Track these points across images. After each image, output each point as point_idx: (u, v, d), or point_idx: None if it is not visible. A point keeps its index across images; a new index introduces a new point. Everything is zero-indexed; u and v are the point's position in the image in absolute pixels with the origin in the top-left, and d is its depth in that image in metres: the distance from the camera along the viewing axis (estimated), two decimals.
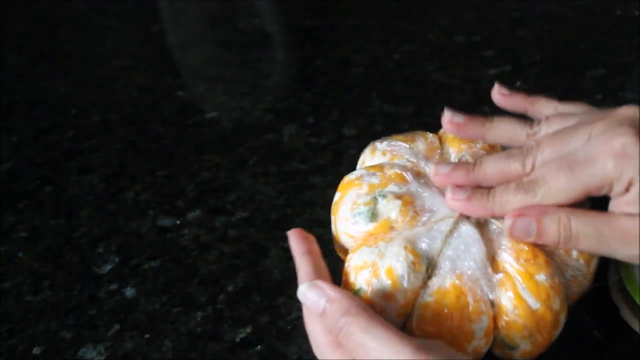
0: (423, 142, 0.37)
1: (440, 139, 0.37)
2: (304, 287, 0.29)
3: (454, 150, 0.36)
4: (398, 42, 0.72)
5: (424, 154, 0.36)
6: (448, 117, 0.35)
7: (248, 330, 0.39)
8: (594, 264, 0.32)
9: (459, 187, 0.32)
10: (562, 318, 0.31)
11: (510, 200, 0.30)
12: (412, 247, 0.31)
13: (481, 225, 0.32)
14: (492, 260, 0.31)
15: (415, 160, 0.35)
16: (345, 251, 0.34)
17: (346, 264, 0.33)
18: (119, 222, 0.48)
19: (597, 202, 0.36)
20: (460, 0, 0.80)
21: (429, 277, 0.31)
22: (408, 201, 0.32)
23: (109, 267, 0.45)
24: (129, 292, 0.42)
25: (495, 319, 0.30)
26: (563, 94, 0.60)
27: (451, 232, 0.31)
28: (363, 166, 0.37)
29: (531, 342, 0.30)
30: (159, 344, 0.38)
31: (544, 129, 0.32)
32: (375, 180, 0.34)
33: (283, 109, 0.62)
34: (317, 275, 0.31)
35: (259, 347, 0.38)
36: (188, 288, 0.42)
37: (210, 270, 0.43)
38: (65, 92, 0.68)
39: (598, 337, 0.36)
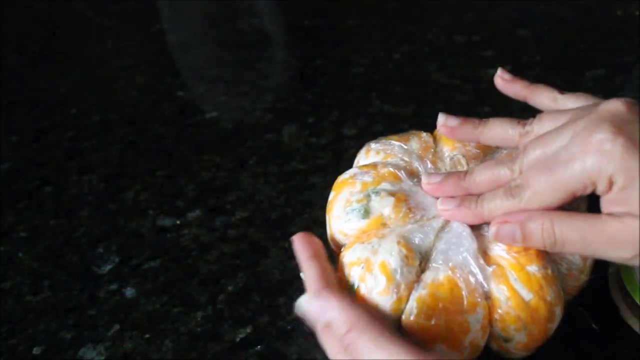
0: (417, 141, 0.37)
1: (434, 138, 0.38)
2: (306, 299, 0.29)
3: (448, 149, 0.36)
4: (398, 42, 0.72)
5: (418, 153, 0.36)
6: (442, 121, 0.35)
7: (248, 330, 0.39)
8: (590, 258, 0.33)
9: (448, 197, 0.32)
10: (558, 311, 0.31)
11: (498, 205, 0.30)
12: (405, 242, 0.31)
13: None
14: (484, 254, 0.31)
15: (408, 159, 0.36)
16: (339, 249, 0.34)
17: (340, 261, 0.33)
18: (119, 222, 0.48)
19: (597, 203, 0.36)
20: (460, 0, 0.80)
21: (423, 270, 0.31)
22: (401, 198, 0.33)
23: (109, 267, 0.45)
24: (129, 292, 0.42)
25: (489, 311, 0.30)
26: None
27: (443, 227, 0.32)
28: (357, 166, 0.37)
29: (526, 334, 0.30)
30: (159, 344, 0.38)
31: (536, 129, 0.32)
32: (368, 179, 0.34)
33: (283, 109, 0.62)
34: (324, 280, 0.30)
35: (259, 347, 0.38)
36: (188, 288, 0.42)
37: (210, 270, 0.43)
38: (65, 92, 0.68)
39: (597, 337, 0.36)
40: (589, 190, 0.28)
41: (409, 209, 0.33)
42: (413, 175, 0.35)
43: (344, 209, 0.33)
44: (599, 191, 0.28)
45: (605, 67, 0.63)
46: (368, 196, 0.33)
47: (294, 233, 0.45)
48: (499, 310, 0.30)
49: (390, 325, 0.29)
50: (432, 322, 0.29)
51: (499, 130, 0.34)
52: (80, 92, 0.68)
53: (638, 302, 0.35)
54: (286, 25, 0.83)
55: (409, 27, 0.75)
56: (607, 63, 0.64)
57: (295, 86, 0.67)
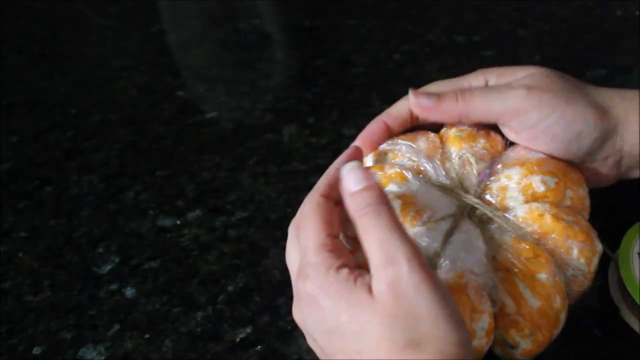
0: (424, 141, 0.37)
1: (441, 139, 0.37)
2: (353, 165, 0.29)
3: (455, 150, 0.36)
4: (398, 42, 0.72)
5: (426, 153, 0.36)
6: (414, 100, 0.37)
7: (248, 330, 0.39)
8: (594, 263, 0.32)
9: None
10: (563, 317, 0.31)
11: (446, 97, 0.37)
12: None
13: (482, 223, 0.32)
14: (492, 258, 0.31)
15: (416, 159, 0.35)
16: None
17: None
18: (119, 222, 0.48)
19: (601, 202, 0.36)
20: (460, 0, 0.80)
21: None
22: (408, 201, 0.32)
23: (109, 267, 0.45)
24: (129, 292, 0.42)
25: (496, 318, 0.30)
26: None
27: (452, 230, 0.31)
28: (364, 166, 0.37)
29: (532, 341, 0.30)
30: (159, 344, 0.38)
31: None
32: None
33: (283, 109, 0.62)
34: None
35: (259, 347, 0.38)
36: (188, 288, 0.42)
37: (210, 270, 0.43)
38: (65, 92, 0.68)
39: (598, 337, 0.36)
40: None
41: (417, 211, 0.32)
42: (421, 175, 0.34)
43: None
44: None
45: (605, 67, 0.63)
46: None
47: None
48: (506, 317, 0.30)
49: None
50: None
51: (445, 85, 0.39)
52: (80, 92, 0.68)
53: (638, 303, 0.35)
54: (286, 25, 0.83)
55: (409, 27, 0.75)
56: (607, 63, 0.64)
57: (295, 86, 0.67)
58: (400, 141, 0.37)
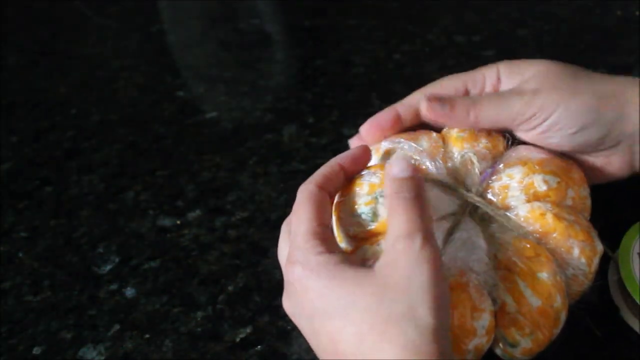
0: (427, 140, 0.36)
1: (443, 138, 0.37)
2: (402, 155, 0.33)
3: (457, 150, 0.36)
4: (398, 42, 0.72)
5: (428, 152, 0.36)
6: (427, 107, 0.37)
7: (248, 330, 0.39)
8: (595, 262, 0.32)
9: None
10: (563, 316, 0.31)
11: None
12: None
13: (483, 222, 0.32)
14: (494, 257, 0.31)
15: (418, 158, 0.35)
16: (347, 251, 0.34)
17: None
18: (119, 222, 0.48)
19: (601, 201, 0.36)
20: (460, 0, 0.80)
21: None
22: None
23: (109, 267, 0.44)
24: (129, 292, 0.42)
25: (496, 316, 0.30)
26: None
27: (453, 229, 0.31)
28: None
29: (532, 340, 0.30)
30: (159, 344, 0.38)
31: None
32: (376, 180, 0.33)
33: (283, 109, 0.62)
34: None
35: (259, 347, 0.37)
36: (188, 288, 0.42)
37: (210, 270, 0.43)
38: (65, 92, 0.68)
39: (598, 337, 0.35)
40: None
41: None
42: (422, 174, 0.34)
43: (352, 211, 0.33)
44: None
45: (605, 67, 0.63)
46: (376, 199, 0.33)
47: None
48: (507, 316, 0.30)
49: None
50: None
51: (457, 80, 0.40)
52: (80, 92, 0.68)
53: (638, 302, 0.35)
54: (286, 25, 0.83)
55: (409, 27, 0.75)
56: (607, 63, 0.64)
57: (295, 86, 0.67)
58: (402, 140, 0.37)
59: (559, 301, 0.30)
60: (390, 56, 0.69)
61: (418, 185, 0.29)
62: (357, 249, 0.33)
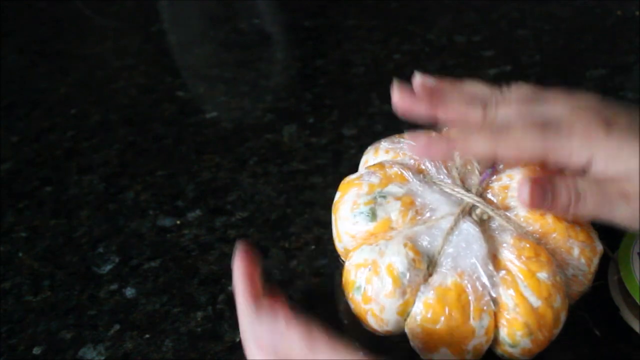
0: None
1: None
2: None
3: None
4: (398, 42, 0.72)
5: None
6: (419, 79, 0.37)
7: None
8: (594, 263, 0.32)
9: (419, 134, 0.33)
10: (563, 316, 0.31)
11: (472, 142, 0.31)
12: (412, 244, 0.31)
13: (483, 222, 0.32)
14: (493, 257, 0.31)
15: (418, 158, 0.35)
16: (346, 251, 0.34)
17: (347, 263, 0.33)
18: (119, 222, 0.48)
19: None
20: (460, 0, 0.80)
21: (430, 274, 0.31)
22: (408, 202, 0.32)
23: (109, 267, 0.44)
24: (129, 292, 0.42)
25: (496, 316, 0.30)
26: None
27: (452, 229, 0.31)
28: (366, 166, 0.37)
29: (532, 340, 0.30)
30: (159, 344, 0.38)
31: (514, 90, 0.33)
32: (375, 180, 0.34)
33: (283, 109, 0.62)
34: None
35: None
36: (188, 288, 0.42)
37: (210, 270, 0.43)
38: (65, 92, 0.68)
39: (598, 337, 0.36)
40: (561, 160, 0.30)
41: (416, 211, 0.32)
42: (421, 174, 0.34)
43: (351, 211, 0.33)
44: (572, 165, 0.30)
45: (605, 67, 0.63)
46: (375, 199, 0.33)
47: (294, 233, 0.45)
48: (507, 316, 0.30)
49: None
50: (437, 327, 0.29)
51: (476, 89, 0.34)
52: (80, 92, 0.68)
53: (638, 302, 0.35)
54: (286, 25, 0.83)
55: (409, 27, 0.75)
56: (607, 63, 0.64)
57: (295, 86, 0.67)
58: (402, 140, 0.37)
59: (558, 301, 0.30)
60: (390, 56, 0.69)
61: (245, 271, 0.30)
62: (357, 248, 0.33)
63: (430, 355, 0.31)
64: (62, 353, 0.38)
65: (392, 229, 0.32)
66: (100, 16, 0.86)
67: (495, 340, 0.31)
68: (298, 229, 0.46)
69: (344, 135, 0.56)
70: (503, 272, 0.30)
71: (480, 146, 0.31)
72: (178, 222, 0.48)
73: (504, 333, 0.30)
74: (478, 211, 0.33)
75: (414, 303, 0.30)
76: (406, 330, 0.31)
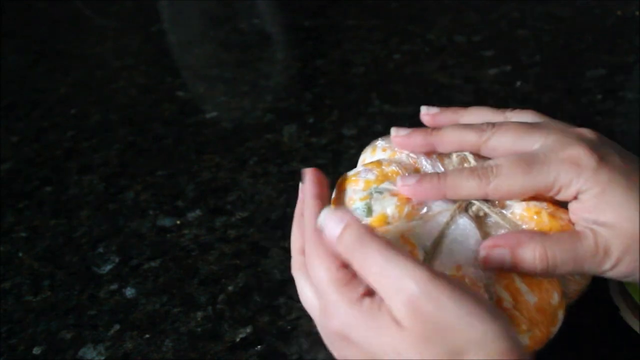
0: None
1: None
2: (326, 212, 0.28)
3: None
4: (398, 42, 0.72)
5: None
6: (424, 111, 0.36)
7: (248, 330, 0.39)
8: None
9: (409, 176, 0.33)
10: (560, 314, 0.31)
11: (463, 184, 0.31)
12: (408, 238, 0.31)
13: (479, 218, 0.32)
14: None
15: (414, 156, 0.35)
16: None
17: None
18: (119, 222, 0.48)
19: None
20: (460, 0, 0.80)
21: None
22: (404, 197, 0.33)
23: (109, 267, 0.45)
24: (129, 292, 0.42)
25: None
26: (563, 94, 0.60)
27: (448, 224, 0.32)
28: (363, 164, 0.37)
29: (529, 337, 0.30)
30: (159, 344, 0.38)
31: (515, 118, 0.34)
32: (371, 177, 0.34)
33: (283, 109, 0.62)
34: None
35: (259, 347, 0.38)
36: (188, 288, 0.42)
37: (210, 270, 0.43)
38: (65, 92, 0.68)
39: (598, 337, 0.36)
40: (550, 194, 0.30)
41: (413, 207, 0.32)
42: (418, 173, 0.35)
43: (347, 207, 0.33)
44: (561, 197, 0.30)
45: (605, 67, 0.63)
46: (371, 195, 0.33)
47: None
48: (503, 312, 0.30)
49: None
50: None
51: (455, 135, 0.33)
52: (80, 92, 0.68)
53: (638, 302, 0.35)
54: (286, 25, 0.83)
55: (409, 27, 0.75)
56: (607, 63, 0.64)
57: (295, 86, 0.67)
58: None
59: (555, 299, 0.30)
60: (390, 56, 0.69)
61: (359, 227, 0.27)
62: None
63: None
64: (62, 353, 0.38)
65: (388, 223, 0.32)
66: (100, 16, 0.87)
67: None
68: None
69: (344, 135, 0.56)
70: (499, 269, 0.31)
71: (470, 190, 0.31)
72: (178, 222, 0.48)
73: None
74: (474, 208, 0.33)
75: None
76: None
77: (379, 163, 0.35)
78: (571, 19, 0.74)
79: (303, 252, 0.31)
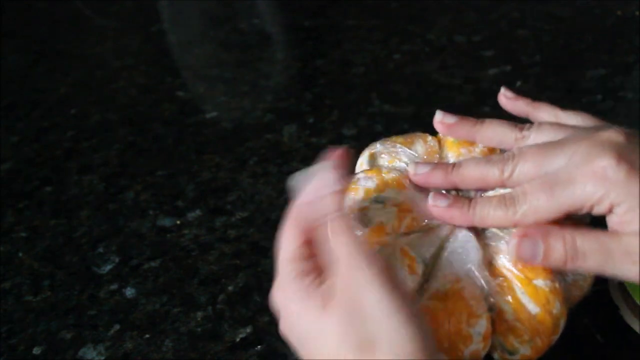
0: (422, 145, 0.36)
1: (439, 142, 0.37)
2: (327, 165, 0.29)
3: (453, 155, 0.36)
4: (398, 42, 0.72)
5: (423, 158, 0.35)
6: (439, 117, 0.35)
7: (248, 330, 0.39)
8: None
9: (440, 194, 0.32)
10: (562, 322, 0.31)
11: (490, 213, 0.30)
12: (408, 250, 0.31)
13: (478, 230, 0.32)
14: (489, 264, 0.31)
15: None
16: None
17: None
18: (119, 222, 0.48)
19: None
20: (460, 0, 0.80)
21: (426, 280, 0.31)
22: (404, 208, 0.32)
23: (109, 267, 0.45)
24: (129, 292, 0.42)
25: (494, 323, 0.30)
26: (563, 94, 0.60)
27: (448, 236, 0.31)
28: (361, 169, 0.37)
29: (530, 347, 0.30)
30: (159, 344, 0.38)
31: (533, 136, 0.32)
32: (371, 185, 0.33)
33: (283, 109, 0.62)
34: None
35: (259, 347, 0.38)
36: (188, 288, 0.42)
37: (210, 270, 0.43)
38: (65, 92, 0.68)
39: (598, 339, 0.36)
40: (584, 211, 0.29)
41: (413, 218, 0.32)
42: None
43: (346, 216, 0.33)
44: (596, 212, 0.28)
45: (605, 67, 0.63)
46: (370, 204, 0.32)
47: None
48: (504, 323, 0.30)
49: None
50: (433, 333, 0.29)
51: (496, 131, 0.33)
52: (80, 92, 0.68)
53: (638, 302, 0.35)
54: (286, 25, 0.83)
55: (409, 27, 0.75)
56: (607, 63, 0.64)
57: (295, 86, 0.67)
58: (398, 145, 0.36)
59: (557, 308, 0.30)
60: (390, 56, 0.69)
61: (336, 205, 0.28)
62: None
63: None
64: (62, 353, 0.38)
65: (387, 234, 0.32)
66: (100, 16, 0.87)
67: (493, 347, 0.31)
68: None
69: (344, 135, 0.56)
70: (500, 279, 0.30)
71: (499, 220, 0.30)
72: (178, 222, 0.48)
73: (502, 340, 0.30)
74: None
75: None
76: None
77: (378, 170, 0.34)
78: (571, 19, 0.74)
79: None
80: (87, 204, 0.51)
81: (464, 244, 0.31)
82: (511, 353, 0.30)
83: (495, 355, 0.31)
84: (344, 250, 0.26)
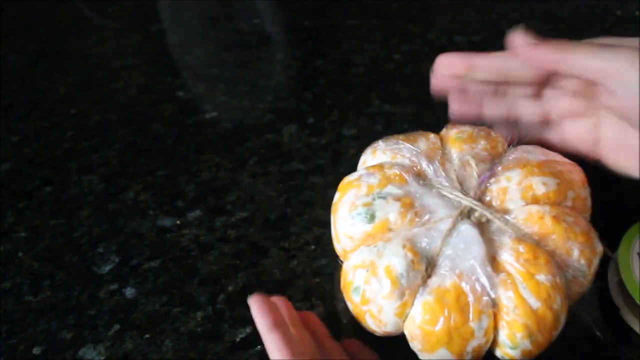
0: (425, 142, 0.37)
1: (441, 140, 0.37)
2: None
3: (456, 151, 0.36)
4: (398, 42, 0.72)
5: (426, 154, 0.35)
6: (519, 37, 0.37)
7: (248, 330, 0.39)
8: (594, 264, 0.32)
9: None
10: (563, 318, 0.31)
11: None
12: (411, 245, 0.31)
13: (481, 225, 0.32)
14: (492, 259, 0.31)
15: (416, 160, 0.35)
16: (345, 252, 0.34)
17: (345, 264, 0.33)
18: (119, 222, 0.48)
19: (601, 202, 0.36)
20: (460, 0, 0.80)
21: (429, 276, 0.31)
22: (407, 203, 0.32)
23: (109, 267, 0.45)
24: (129, 292, 0.42)
25: (496, 318, 0.30)
26: None
27: (450, 231, 0.31)
28: (364, 166, 0.37)
29: (532, 342, 0.30)
30: (159, 344, 0.38)
31: None
32: (374, 181, 0.34)
33: (283, 109, 0.62)
34: (289, 349, 0.30)
35: (259, 347, 0.38)
36: (188, 288, 0.42)
37: (210, 270, 0.43)
38: (65, 92, 0.68)
39: (598, 338, 0.36)
40: None
41: (415, 213, 0.32)
42: (420, 176, 0.34)
43: (349, 212, 0.33)
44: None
45: None
46: (374, 200, 0.33)
47: (294, 233, 0.45)
48: (506, 318, 0.30)
49: None
50: (436, 328, 0.29)
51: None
52: (80, 92, 0.68)
53: (638, 303, 0.35)
54: (286, 25, 0.83)
55: (409, 27, 0.75)
56: None
57: (295, 86, 0.67)
58: (400, 142, 0.37)
59: (558, 303, 0.30)
60: (390, 56, 0.69)
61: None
62: (355, 250, 0.33)
63: (429, 356, 0.31)
64: (62, 353, 0.38)
65: (390, 230, 0.32)
66: (100, 16, 0.86)
67: (495, 342, 0.31)
68: (298, 229, 0.46)
69: (344, 135, 0.56)
70: (502, 274, 0.30)
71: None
72: (178, 222, 0.48)
73: (503, 335, 0.30)
74: (477, 214, 0.33)
75: (412, 304, 0.30)
76: (405, 331, 0.31)
77: (380, 167, 0.35)
78: (571, 19, 0.74)
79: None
80: (87, 204, 0.51)
81: (466, 240, 0.31)
82: (512, 348, 0.30)
83: (497, 350, 0.31)
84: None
